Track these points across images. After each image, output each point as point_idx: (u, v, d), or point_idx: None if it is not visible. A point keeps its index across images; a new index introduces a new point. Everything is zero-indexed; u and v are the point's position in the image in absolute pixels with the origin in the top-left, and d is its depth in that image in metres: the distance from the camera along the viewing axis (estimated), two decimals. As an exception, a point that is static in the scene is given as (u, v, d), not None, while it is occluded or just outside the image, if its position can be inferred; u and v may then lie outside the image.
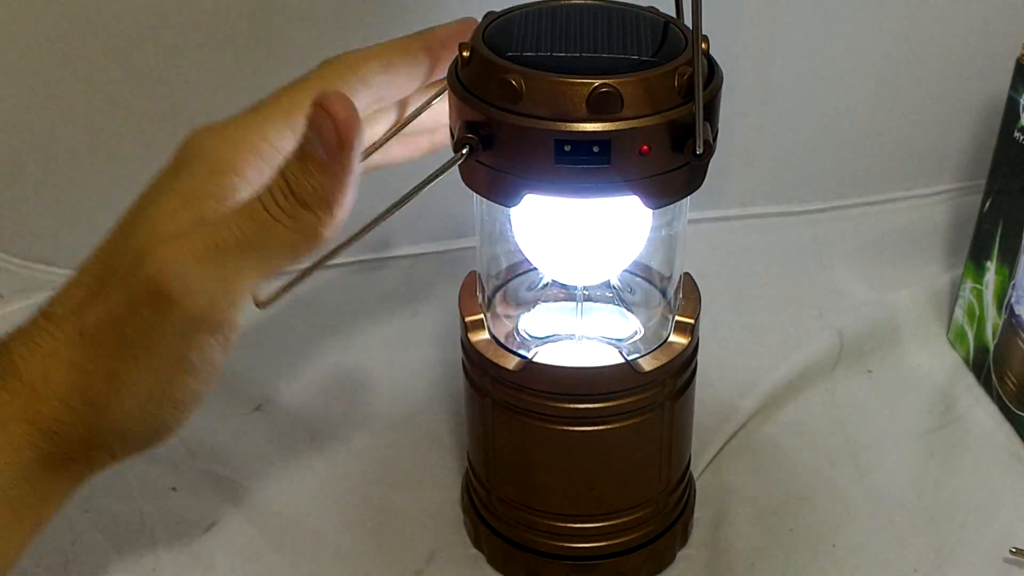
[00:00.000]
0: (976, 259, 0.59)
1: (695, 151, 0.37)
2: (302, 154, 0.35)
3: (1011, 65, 0.54)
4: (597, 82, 0.36)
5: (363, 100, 0.40)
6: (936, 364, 0.61)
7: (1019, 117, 0.54)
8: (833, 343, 0.61)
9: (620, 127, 0.36)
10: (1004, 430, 0.56)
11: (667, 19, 0.41)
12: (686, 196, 0.40)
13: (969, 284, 0.60)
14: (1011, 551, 0.49)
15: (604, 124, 0.36)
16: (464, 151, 0.38)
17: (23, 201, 0.65)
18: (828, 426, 0.57)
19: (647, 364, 0.44)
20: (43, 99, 0.62)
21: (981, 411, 0.58)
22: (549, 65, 0.37)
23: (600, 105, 0.36)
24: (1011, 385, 0.56)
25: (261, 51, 0.60)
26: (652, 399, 0.44)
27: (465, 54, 0.39)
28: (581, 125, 0.37)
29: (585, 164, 0.37)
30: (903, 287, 0.65)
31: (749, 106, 0.67)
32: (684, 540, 0.50)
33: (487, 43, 0.39)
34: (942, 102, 0.68)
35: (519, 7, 0.42)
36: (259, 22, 0.59)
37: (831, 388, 0.59)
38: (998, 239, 0.56)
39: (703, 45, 0.39)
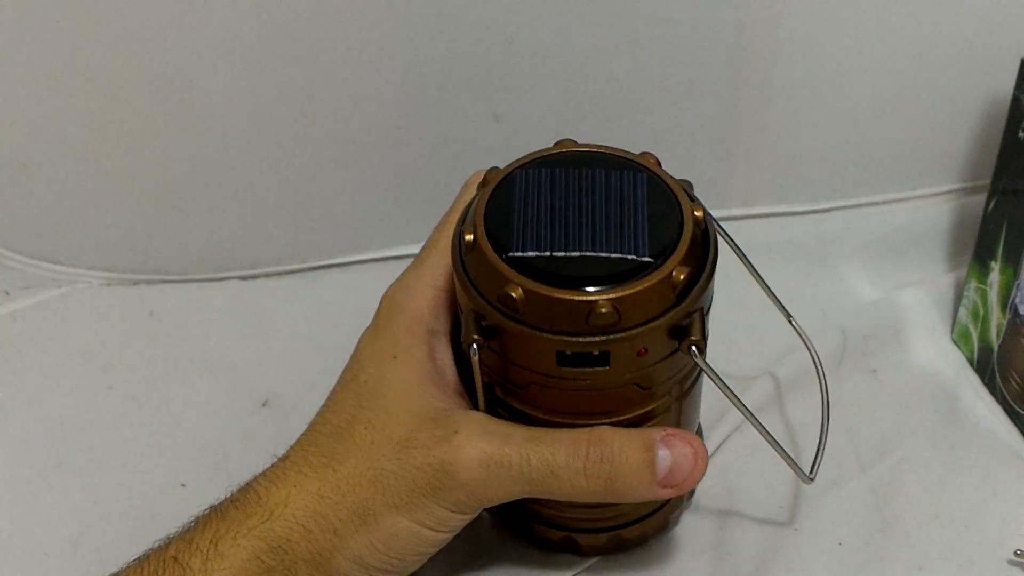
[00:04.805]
0: (980, 259, 0.59)
1: (690, 350, 0.39)
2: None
3: (1016, 64, 0.54)
4: (597, 299, 0.37)
5: None
6: (940, 364, 0.61)
7: (1023, 117, 0.54)
8: (837, 342, 0.61)
9: (619, 337, 0.38)
10: (1008, 430, 0.56)
11: (662, 180, 0.41)
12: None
13: (973, 284, 0.60)
14: (1015, 553, 0.49)
15: (603, 336, 0.38)
16: (474, 350, 0.40)
17: (28, 198, 0.65)
18: (831, 425, 0.57)
19: None
20: (47, 96, 0.62)
21: (985, 411, 0.58)
22: (549, 272, 0.38)
23: (599, 321, 0.37)
24: (1015, 385, 0.56)
25: (265, 50, 0.60)
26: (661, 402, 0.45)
27: (468, 239, 0.39)
28: (581, 338, 0.38)
29: (586, 367, 0.39)
30: (907, 287, 0.65)
31: (752, 106, 0.67)
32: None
33: (488, 226, 0.39)
34: (946, 102, 0.68)
35: (521, 163, 0.42)
36: (262, 21, 0.59)
37: (835, 387, 0.59)
38: (1002, 239, 0.56)
39: (697, 213, 0.40)
